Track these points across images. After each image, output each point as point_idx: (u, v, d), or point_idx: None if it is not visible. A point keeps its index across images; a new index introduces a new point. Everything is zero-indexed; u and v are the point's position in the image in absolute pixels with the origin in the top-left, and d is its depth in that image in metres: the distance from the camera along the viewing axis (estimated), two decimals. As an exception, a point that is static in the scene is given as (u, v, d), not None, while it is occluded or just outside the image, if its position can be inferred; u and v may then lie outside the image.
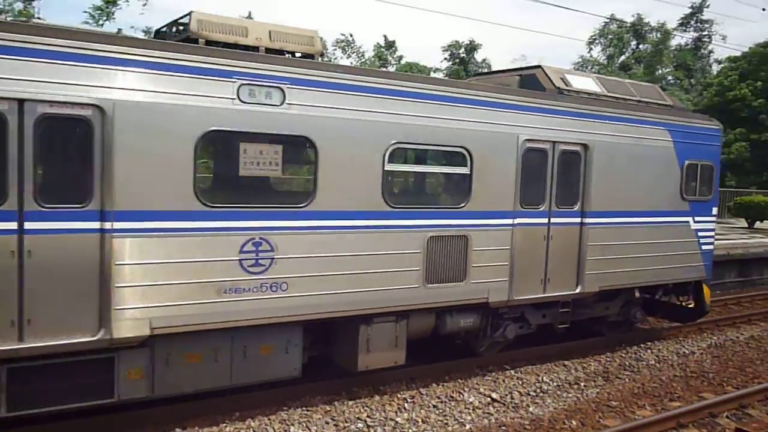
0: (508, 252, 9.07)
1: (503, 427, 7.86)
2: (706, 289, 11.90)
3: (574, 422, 8.12)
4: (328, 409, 8.05)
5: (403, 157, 8.47)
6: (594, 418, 8.26)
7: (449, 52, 57.28)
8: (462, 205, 8.62)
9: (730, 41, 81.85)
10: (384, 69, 40.67)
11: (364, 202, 7.78)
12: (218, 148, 7.55)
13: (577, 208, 9.83)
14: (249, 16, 32.02)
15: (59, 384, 6.31)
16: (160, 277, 6.56)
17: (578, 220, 9.86)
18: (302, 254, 7.33)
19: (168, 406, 7.38)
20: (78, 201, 6.15)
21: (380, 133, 7.80)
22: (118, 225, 6.27)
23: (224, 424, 7.43)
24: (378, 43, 54.23)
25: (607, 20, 56.70)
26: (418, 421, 7.92)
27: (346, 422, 7.72)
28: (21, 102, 5.79)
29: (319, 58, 8.13)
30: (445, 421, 7.99)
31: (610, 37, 59.11)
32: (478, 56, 56.07)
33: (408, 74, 8.69)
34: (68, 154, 6.37)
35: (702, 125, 11.58)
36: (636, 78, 43.41)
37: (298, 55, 7.93)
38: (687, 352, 11.41)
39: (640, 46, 58.53)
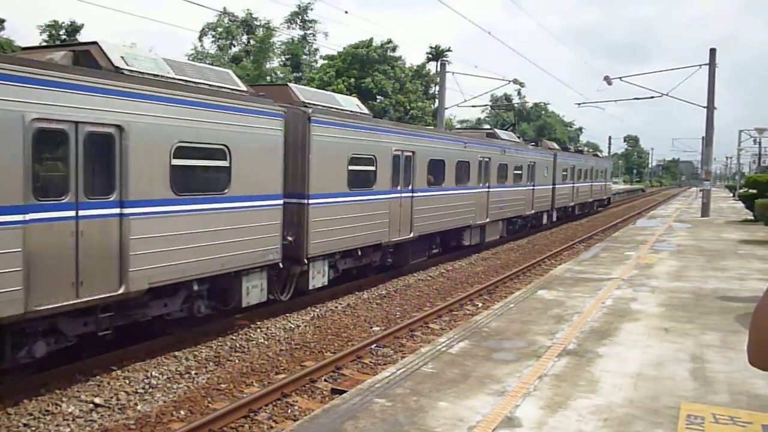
0: None
1: (107, 432, 7.41)
2: (612, 202, 56.07)
3: (183, 412, 8.05)
4: None
5: None
6: (203, 404, 8.31)
7: (48, 33, 51.97)
8: None
9: (331, 41, 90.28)
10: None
11: None
12: None
13: None
14: None
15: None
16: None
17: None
18: None
19: None
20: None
21: None
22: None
23: None
24: None
25: (220, 13, 57.66)
26: (3, 446, 6.99)
27: None
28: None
29: None
30: (39, 439, 7.20)
31: (220, 29, 60.26)
32: (81, 39, 51.95)
33: None
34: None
35: (607, 160, 57.72)
36: (245, 71, 45.00)
37: None
38: (292, 326, 12.23)
39: (251, 41, 60.86)
